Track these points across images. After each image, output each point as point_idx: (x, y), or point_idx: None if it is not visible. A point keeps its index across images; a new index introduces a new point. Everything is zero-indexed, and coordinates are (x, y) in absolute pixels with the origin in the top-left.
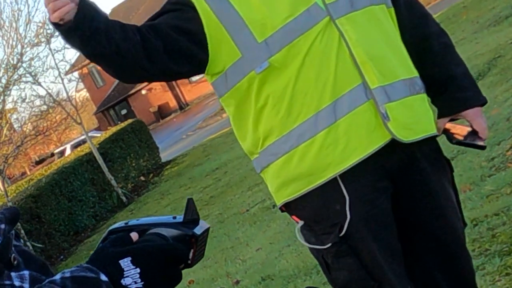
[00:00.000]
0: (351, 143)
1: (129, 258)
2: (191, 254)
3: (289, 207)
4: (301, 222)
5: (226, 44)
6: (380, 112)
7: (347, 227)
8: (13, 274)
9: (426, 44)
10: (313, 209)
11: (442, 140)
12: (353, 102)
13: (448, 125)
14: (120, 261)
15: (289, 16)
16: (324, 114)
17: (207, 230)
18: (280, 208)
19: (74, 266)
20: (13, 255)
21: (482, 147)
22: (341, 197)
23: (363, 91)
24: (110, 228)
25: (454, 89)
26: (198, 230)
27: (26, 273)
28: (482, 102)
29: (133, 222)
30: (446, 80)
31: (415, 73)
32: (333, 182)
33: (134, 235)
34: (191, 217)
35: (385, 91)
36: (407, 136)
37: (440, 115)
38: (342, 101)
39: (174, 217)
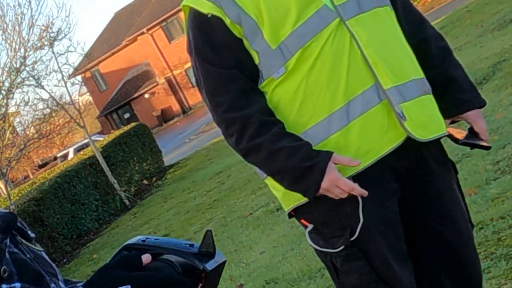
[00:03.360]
0: (364, 145)
1: (129, 287)
2: None
3: (298, 211)
4: (310, 226)
5: (250, 50)
6: (396, 112)
7: (360, 230)
8: (4, 286)
9: (424, 47)
10: (323, 212)
11: (447, 144)
12: (366, 103)
13: (447, 129)
14: None
15: (298, 20)
16: (337, 116)
17: (221, 264)
18: (289, 214)
19: (68, 285)
20: (3, 267)
21: (488, 147)
22: (353, 200)
23: (376, 92)
24: (126, 243)
25: (455, 91)
26: (210, 265)
27: (17, 285)
28: (483, 103)
29: (150, 241)
30: (446, 83)
31: (422, 74)
32: None
33: (146, 258)
34: (206, 250)
35: (399, 91)
36: (424, 135)
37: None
38: (355, 103)
39: (192, 245)
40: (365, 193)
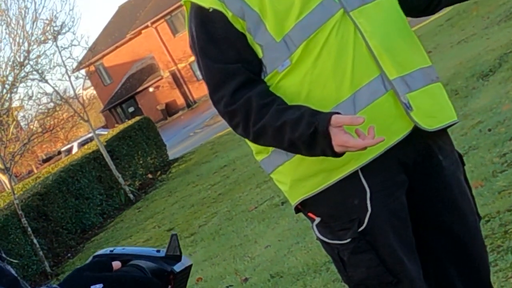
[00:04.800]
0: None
1: (101, 285)
2: None
3: (305, 205)
4: (317, 219)
5: (253, 45)
6: (402, 102)
7: (368, 221)
8: None
9: None
10: (331, 204)
11: (453, 136)
12: (372, 94)
13: None
14: (92, 286)
15: (302, 11)
16: (343, 107)
17: (188, 267)
18: (296, 207)
19: (44, 285)
20: None
21: None
22: (361, 191)
23: (382, 83)
24: (96, 253)
25: None
26: (178, 267)
27: None
28: None
29: (118, 250)
30: None
31: (429, 62)
32: (353, 176)
33: (116, 264)
34: (173, 253)
35: (405, 81)
36: (432, 124)
37: None
38: (361, 94)
39: (158, 251)
40: (381, 139)
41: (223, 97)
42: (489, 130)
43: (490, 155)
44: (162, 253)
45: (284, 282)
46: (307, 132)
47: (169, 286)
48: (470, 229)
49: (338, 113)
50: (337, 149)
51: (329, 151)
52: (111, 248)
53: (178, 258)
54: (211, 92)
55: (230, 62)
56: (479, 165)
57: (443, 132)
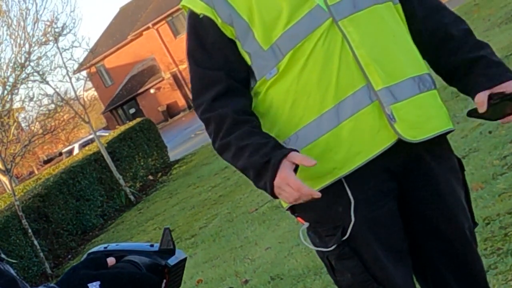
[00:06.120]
0: (355, 146)
1: (98, 283)
2: (163, 284)
3: (294, 209)
4: (306, 224)
5: (242, 52)
6: (386, 113)
7: (351, 230)
8: None
9: (445, 32)
10: (316, 211)
11: (454, 138)
12: (356, 104)
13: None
14: (89, 284)
15: (289, 20)
16: (327, 117)
17: (183, 260)
18: (288, 210)
19: (42, 285)
20: None
21: None
22: (345, 200)
23: (367, 93)
24: (90, 251)
25: (487, 65)
26: (172, 261)
27: None
28: None
29: (112, 246)
30: (475, 60)
31: (425, 70)
32: (338, 184)
33: (111, 260)
34: (166, 247)
35: (391, 92)
36: (416, 135)
37: (478, 89)
38: (345, 104)
39: (152, 245)
40: (315, 194)
41: (202, 104)
42: (490, 132)
43: (490, 157)
44: (156, 247)
45: (284, 284)
46: (260, 161)
47: (164, 280)
48: (464, 236)
49: (298, 151)
50: (277, 181)
51: (268, 186)
52: (105, 245)
53: (172, 252)
54: (193, 97)
55: (215, 68)
56: (480, 168)
57: (439, 139)
